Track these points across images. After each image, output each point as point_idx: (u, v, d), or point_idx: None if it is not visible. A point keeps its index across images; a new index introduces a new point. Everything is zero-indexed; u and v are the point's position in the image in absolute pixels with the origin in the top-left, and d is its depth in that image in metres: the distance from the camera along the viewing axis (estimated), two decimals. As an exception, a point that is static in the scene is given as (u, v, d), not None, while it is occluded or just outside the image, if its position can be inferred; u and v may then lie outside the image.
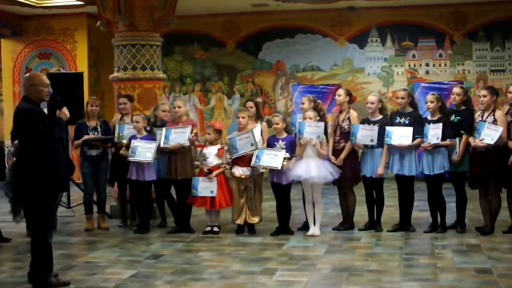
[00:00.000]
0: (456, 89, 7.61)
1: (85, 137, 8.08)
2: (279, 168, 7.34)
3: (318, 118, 7.48)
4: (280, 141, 7.54)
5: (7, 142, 12.42)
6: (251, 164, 7.48)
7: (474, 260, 6.22)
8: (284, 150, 7.40)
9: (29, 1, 12.49)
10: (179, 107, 7.98)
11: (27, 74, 5.48)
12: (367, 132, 7.49)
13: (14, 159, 7.23)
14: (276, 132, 7.64)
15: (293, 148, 7.49)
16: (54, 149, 5.31)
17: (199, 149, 7.85)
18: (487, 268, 5.89)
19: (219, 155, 7.67)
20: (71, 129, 8.63)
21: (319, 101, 7.98)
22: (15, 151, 7.24)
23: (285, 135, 7.62)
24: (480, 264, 6.05)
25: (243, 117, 7.65)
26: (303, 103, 7.84)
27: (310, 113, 7.50)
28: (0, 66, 14.44)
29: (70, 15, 13.54)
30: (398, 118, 7.64)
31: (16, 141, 7.22)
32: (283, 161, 7.32)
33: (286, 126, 7.72)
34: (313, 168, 7.33)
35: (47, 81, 5.41)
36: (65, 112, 5.45)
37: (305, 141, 7.35)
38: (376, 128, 7.51)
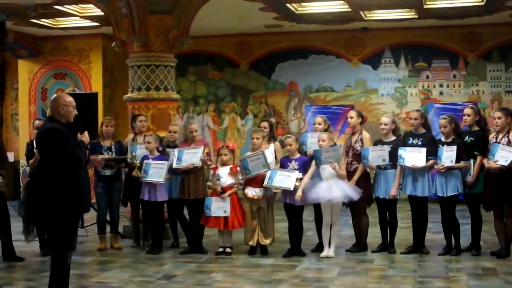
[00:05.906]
0: (467, 110, 7.59)
1: (100, 157, 8.13)
2: (291, 189, 7.32)
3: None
4: (293, 162, 7.54)
5: (22, 161, 12.49)
6: (264, 185, 7.49)
7: (489, 284, 6.13)
8: (297, 171, 7.39)
9: (46, 22, 12.68)
10: (196, 131, 8.07)
11: (58, 94, 5.43)
12: (378, 153, 7.47)
13: (29, 179, 7.25)
14: (289, 153, 7.64)
15: (306, 168, 7.48)
16: (79, 170, 5.29)
17: (211, 171, 7.84)
18: (503, 292, 5.83)
19: (233, 173, 7.68)
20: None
21: (328, 122, 8.03)
22: (31, 170, 7.26)
23: (298, 155, 7.62)
24: (496, 288, 5.98)
25: (257, 138, 7.67)
26: (319, 124, 7.85)
27: (324, 135, 7.48)
28: (17, 86, 14.63)
29: (86, 36, 13.75)
30: (411, 139, 7.62)
31: (32, 161, 7.28)
32: (296, 181, 7.31)
33: (298, 146, 7.73)
34: (334, 189, 7.29)
35: (74, 103, 5.42)
36: (86, 136, 5.46)
37: (334, 167, 7.29)
38: (386, 147, 7.49)
